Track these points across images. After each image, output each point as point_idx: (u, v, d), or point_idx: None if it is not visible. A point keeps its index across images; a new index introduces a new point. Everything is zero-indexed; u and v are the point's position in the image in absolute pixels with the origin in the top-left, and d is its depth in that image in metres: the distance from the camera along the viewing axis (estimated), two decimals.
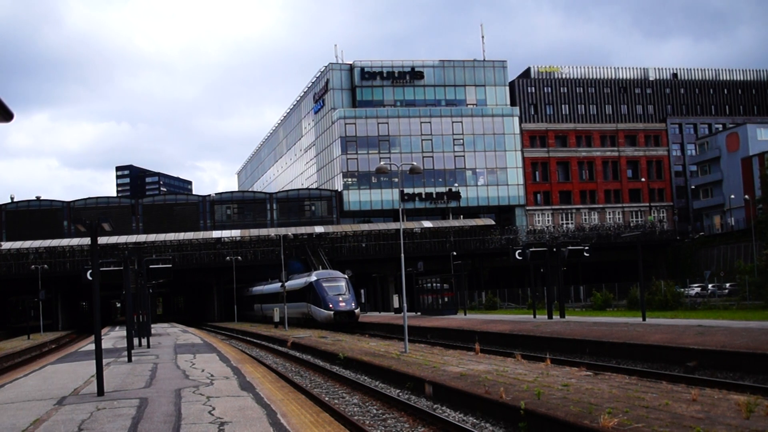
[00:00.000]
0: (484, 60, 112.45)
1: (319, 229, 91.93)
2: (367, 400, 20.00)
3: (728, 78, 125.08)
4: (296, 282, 63.05)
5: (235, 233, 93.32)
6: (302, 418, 13.67)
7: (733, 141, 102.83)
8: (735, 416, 12.15)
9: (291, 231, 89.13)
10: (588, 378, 18.37)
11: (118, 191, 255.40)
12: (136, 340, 35.84)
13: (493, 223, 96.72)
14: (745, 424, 11.37)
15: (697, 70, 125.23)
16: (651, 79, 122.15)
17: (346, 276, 59.25)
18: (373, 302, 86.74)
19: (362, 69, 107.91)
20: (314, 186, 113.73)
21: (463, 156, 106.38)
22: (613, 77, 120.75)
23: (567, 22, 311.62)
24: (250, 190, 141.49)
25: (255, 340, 50.17)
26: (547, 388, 16.22)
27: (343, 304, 54.56)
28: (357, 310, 55.81)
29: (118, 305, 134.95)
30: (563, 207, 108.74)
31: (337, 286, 56.75)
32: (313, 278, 58.65)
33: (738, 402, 13.02)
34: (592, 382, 17.50)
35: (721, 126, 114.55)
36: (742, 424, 11.38)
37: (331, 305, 54.58)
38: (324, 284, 56.93)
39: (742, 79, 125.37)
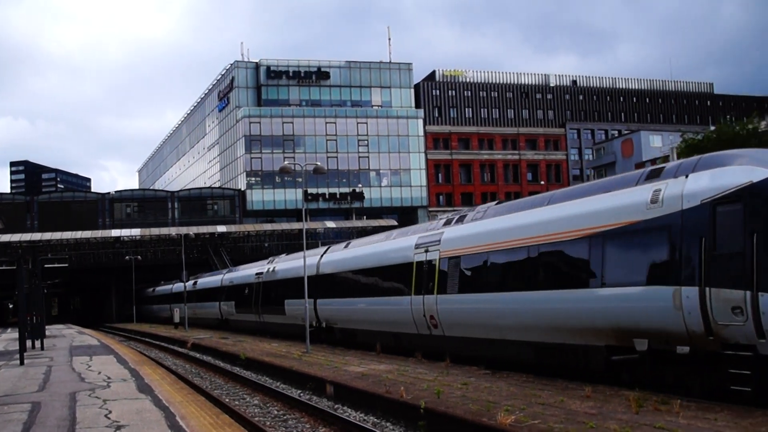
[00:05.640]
0: (390, 62, 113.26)
1: (221, 228, 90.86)
2: (268, 401, 19.94)
3: (624, 86, 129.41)
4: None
5: (135, 232, 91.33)
6: (202, 420, 13.57)
7: (628, 147, 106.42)
8: (626, 411, 12.59)
9: (193, 230, 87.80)
10: (487, 376, 18.67)
11: (12, 188, 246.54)
12: (29, 342, 34.79)
13: (396, 223, 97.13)
14: (635, 419, 11.83)
15: (595, 77, 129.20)
16: (551, 85, 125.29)
17: None
18: None
19: (268, 68, 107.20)
20: (217, 185, 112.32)
21: (368, 157, 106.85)
22: (516, 82, 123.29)
23: (463, 35, 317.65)
24: (151, 188, 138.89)
25: (154, 342, 49.31)
26: (446, 387, 16.44)
27: None
28: None
29: (11, 306, 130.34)
30: (465, 208, 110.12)
31: None
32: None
33: (629, 398, 13.47)
34: (491, 380, 17.80)
35: (616, 132, 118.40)
36: (632, 419, 11.83)
37: None
38: None
39: (637, 87, 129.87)
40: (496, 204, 22.25)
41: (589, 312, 15.97)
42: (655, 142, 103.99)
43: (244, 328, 46.66)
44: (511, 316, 18.79)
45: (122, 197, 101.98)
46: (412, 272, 24.17)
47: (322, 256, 34.67)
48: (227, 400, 19.92)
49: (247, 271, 47.65)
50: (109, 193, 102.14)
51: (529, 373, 18.22)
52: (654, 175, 15.32)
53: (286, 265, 39.62)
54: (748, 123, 66.12)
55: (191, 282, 62.55)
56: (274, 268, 40.98)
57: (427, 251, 23.47)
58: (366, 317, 28.82)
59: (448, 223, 23.72)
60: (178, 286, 67.64)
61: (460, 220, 22.95)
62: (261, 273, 43.06)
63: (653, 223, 14.35)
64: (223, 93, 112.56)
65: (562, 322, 16.95)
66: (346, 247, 33.44)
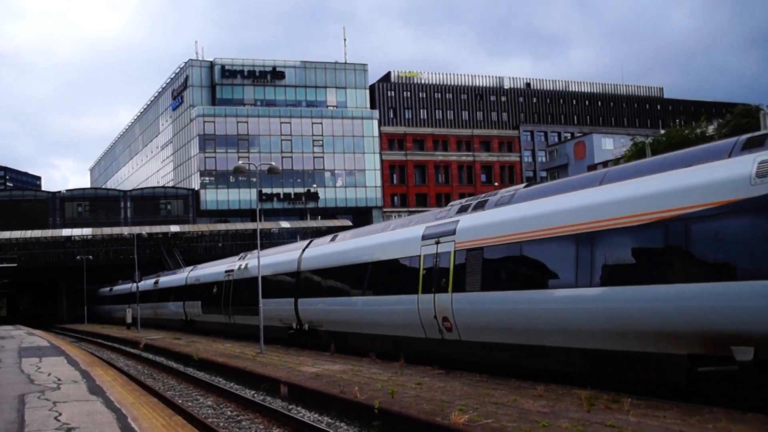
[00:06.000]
0: (345, 63, 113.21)
1: (174, 228, 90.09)
2: (221, 402, 19.90)
3: (577, 90, 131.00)
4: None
5: (87, 231, 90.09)
6: (154, 421, 13.52)
7: (580, 149, 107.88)
8: (577, 410, 12.79)
9: (145, 230, 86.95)
10: (440, 376, 18.83)
11: None
12: None
13: (350, 224, 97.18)
14: (586, 417, 12.04)
15: (549, 81, 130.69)
16: (506, 87, 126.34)
17: None
18: None
19: (223, 67, 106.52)
20: (170, 184, 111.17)
21: (323, 157, 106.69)
22: (470, 84, 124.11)
23: (418, 37, 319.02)
24: (103, 187, 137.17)
25: (106, 343, 48.78)
26: (401, 387, 16.53)
27: None
28: None
29: None
30: (419, 209, 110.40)
31: None
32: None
33: (580, 396, 13.67)
34: (445, 380, 17.95)
35: (569, 134, 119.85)
36: (583, 417, 12.04)
37: None
38: None
39: (589, 91, 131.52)
40: (525, 187, 19.44)
41: (667, 313, 13.23)
42: (607, 145, 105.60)
43: (212, 330, 43.62)
44: (555, 317, 16.07)
45: (73, 196, 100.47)
46: (419, 267, 21.17)
47: (303, 250, 31.55)
48: (180, 401, 19.85)
49: (216, 269, 44.34)
50: (60, 191, 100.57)
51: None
52: (754, 144, 12.85)
53: (256, 261, 35.67)
54: (697, 127, 67.53)
55: (152, 281, 60.63)
56: (247, 265, 37.94)
57: (438, 243, 20.46)
58: (359, 319, 25.58)
59: (463, 210, 20.66)
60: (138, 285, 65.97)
61: (480, 206, 19.96)
62: (231, 270, 40.05)
63: (763, 201, 11.79)
64: (177, 92, 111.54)
65: (627, 326, 14.21)
66: (332, 240, 30.15)
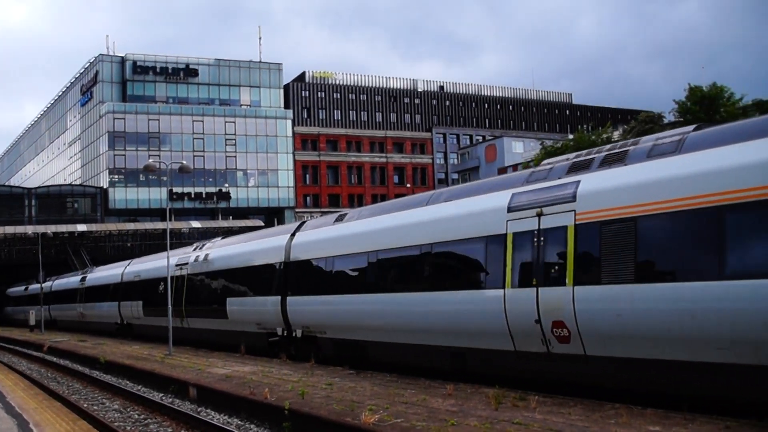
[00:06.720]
0: (260, 62, 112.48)
1: (81, 227, 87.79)
2: (128, 405, 19.59)
3: (489, 94, 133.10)
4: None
5: None
6: (58, 426, 13.35)
7: (491, 152, 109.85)
8: (485, 408, 13.04)
9: (51, 229, 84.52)
10: (351, 376, 18.92)
11: None
12: None
13: (262, 224, 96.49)
14: (494, 415, 12.29)
15: (462, 84, 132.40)
16: (419, 90, 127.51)
17: None
18: None
19: (134, 62, 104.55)
20: (78, 182, 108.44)
21: (235, 156, 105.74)
22: (384, 86, 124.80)
23: (332, 39, 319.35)
24: (6, 184, 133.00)
25: (7, 346, 47.35)
26: (311, 388, 16.56)
27: None
28: None
29: None
30: (332, 210, 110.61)
31: None
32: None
33: (488, 395, 13.92)
34: (355, 380, 18.06)
35: (481, 137, 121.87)
36: (491, 415, 12.28)
37: None
38: None
39: (500, 95, 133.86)
40: (696, 129, 13.71)
41: None
42: (517, 148, 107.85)
43: (157, 336, 36.29)
44: None
45: None
46: (504, 250, 15.39)
47: (293, 235, 25.24)
48: (85, 405, 19.44)
49: (163, 262, 34.64)
50: None
51: (394, 372, 17.91)
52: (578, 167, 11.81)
53: (227, 251, 30.50)
54: (603, 132, 69.47)
55: (77, 278, 55.24)
56: (208, 256, 31.48)
57: (541, 214, 14.62)
58: (390, 324, 19.16)
59: (582, 167, 14.85)
60: (58, 284, 61.02)
61: (615, 160, 14.33)
62: (185, 264, 33.62)
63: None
64: (86, 87, 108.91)
65: None
66: (339, 220, 23.52)
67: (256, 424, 15.50)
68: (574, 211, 13.90)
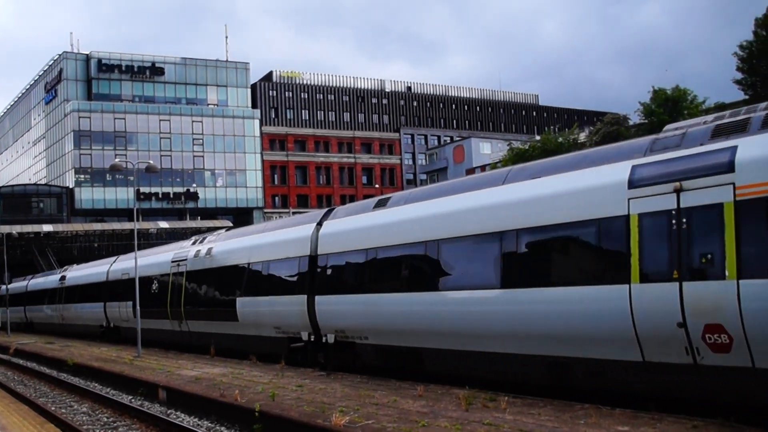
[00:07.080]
0: (227, 60, 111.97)
1: (47, 227, 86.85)
2: (97, 408, 19.54)
3: (456, 95, 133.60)
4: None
5: None
6: (24, 430, 13.27)
7: (459, 153, 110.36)
8: (456, 409, 13.16)
9: (16, 229, 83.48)
10: (322, 378, 18.94)
11: None
12: None
13: (230, 224, 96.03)
14: (465, 416, 12.42)
15: (429, 85, 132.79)
16: (387, 90, 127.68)
17: None
18: None
19: (99, 60, 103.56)
20: (43, 182, 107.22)
21: (203, 156, 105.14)
22: (352, 86, 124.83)
23: (298, 39, 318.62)
24: None
25: None
26: (282, 389, 16.60)
27: None
28: None
29: None
30: (301, 210, 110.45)
31: None
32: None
33: (459, 396, 14.01)
34: (326, 382, 18.08)
35: (449, 138, 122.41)
36: (462, 416, 12.41)
37: None
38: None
39: (468, 96, 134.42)
40: None
41: None
42: (485, 149, 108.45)
43: (150, 340, 32.78)
44: None
45: None
46: (626, 236, 12.33)
47: (320, 224, 21.80)
48: (53, 408, 19.41)
49: (156, 258, 33.58)
50: None
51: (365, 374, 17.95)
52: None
53: (236, 244, 26.98)
54: (570, 134, 70.24)
55: (58, 277, 50.66)
56: (212, 250, 28.17)
57: (680, 190, 11.62)
58: (461, 328, 15.84)
59: (732, 130, 11.92)
60: (34, 283, 57.06)
61: None
62: (183, 259, 30.36)
63: None
64: (50, 85, 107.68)
65: None
66: (381, 206, 19.79)
67: (226, 427, 15.51)
68: (733, 183, 10.98)
